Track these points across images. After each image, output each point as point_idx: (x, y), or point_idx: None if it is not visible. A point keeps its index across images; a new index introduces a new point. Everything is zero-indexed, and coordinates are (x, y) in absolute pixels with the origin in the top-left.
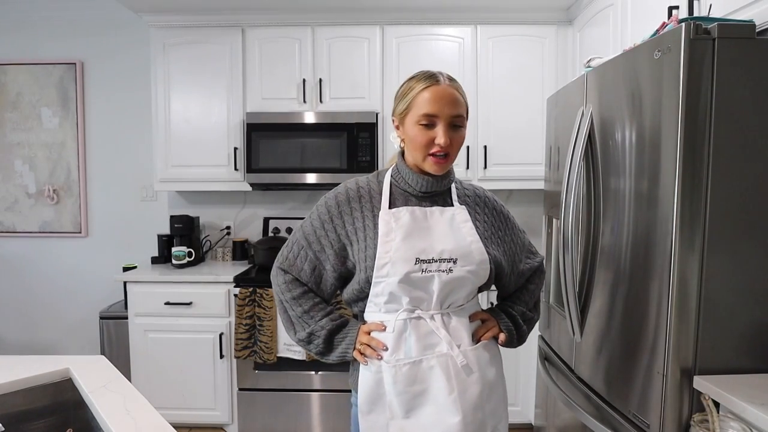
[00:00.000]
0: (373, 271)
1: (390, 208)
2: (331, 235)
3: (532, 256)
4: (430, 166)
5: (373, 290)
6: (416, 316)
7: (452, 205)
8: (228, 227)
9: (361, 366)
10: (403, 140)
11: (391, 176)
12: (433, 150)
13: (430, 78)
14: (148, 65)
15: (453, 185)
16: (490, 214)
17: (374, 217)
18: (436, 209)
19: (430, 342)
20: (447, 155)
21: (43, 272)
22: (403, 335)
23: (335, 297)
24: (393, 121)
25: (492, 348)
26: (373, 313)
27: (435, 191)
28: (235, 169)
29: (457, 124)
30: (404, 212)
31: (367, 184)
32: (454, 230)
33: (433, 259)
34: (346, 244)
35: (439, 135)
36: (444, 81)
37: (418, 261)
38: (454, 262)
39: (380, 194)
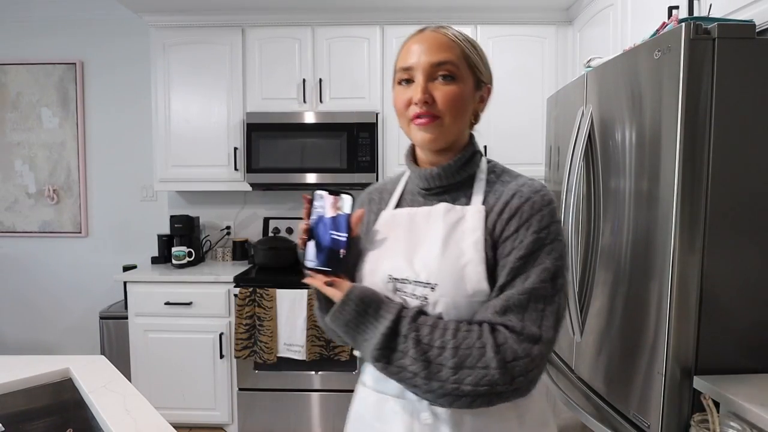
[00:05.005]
0: (354, 279)
1: (397, 208)
2: None
3: (515, 317)
4: (415, 135)
5: None
6: None
7: (468, 204)
8: (228, 227)
9: (360, 380)
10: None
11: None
12: (411, 113)
13: (417, 31)
14: (148, 65)
15: (481, 174)
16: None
17: (375, 220)
18: (440, 207)
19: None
20: (435, 117)
21: (43, 272)
22: None
23: None
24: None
25: (504, 415)
26: None
27: (439, 186)
28: (235, 169)
29: (443, 73)
30: (404, 214)
31: (383, 183)
32: (450, 242)
33: (407, 280)
34: None
35: (415, 90)
36: (430, 29)
37: (391, 279)
38: (432, 289)
39: (392, 193)
